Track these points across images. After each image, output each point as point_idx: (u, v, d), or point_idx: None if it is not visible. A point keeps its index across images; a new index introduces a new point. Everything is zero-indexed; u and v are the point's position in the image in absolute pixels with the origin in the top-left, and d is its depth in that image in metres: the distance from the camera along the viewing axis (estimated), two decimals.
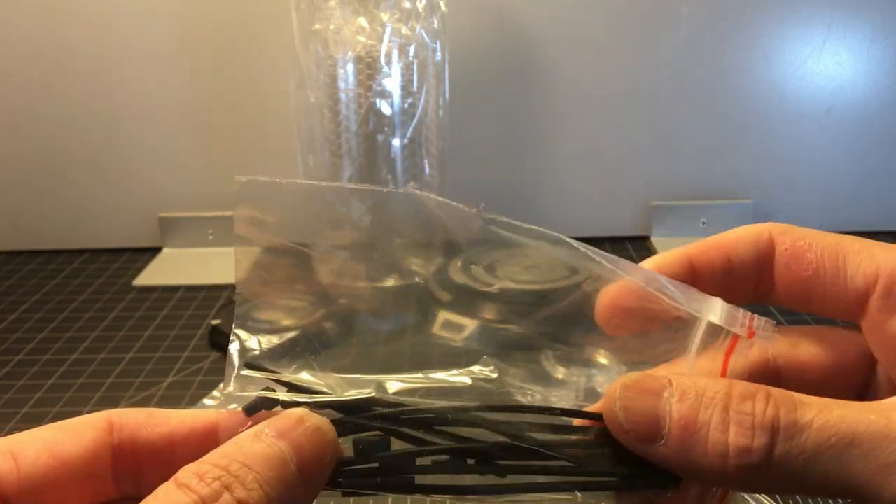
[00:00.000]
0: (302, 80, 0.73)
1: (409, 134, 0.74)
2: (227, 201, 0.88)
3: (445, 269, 0.77)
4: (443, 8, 0.72)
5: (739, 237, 0.26)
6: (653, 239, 0.86)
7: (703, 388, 0.21)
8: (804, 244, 0.25)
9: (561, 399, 0.54)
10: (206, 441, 0.23)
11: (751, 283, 0.26)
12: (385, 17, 0.69)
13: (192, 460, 0.20)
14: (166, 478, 0.20)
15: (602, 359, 0.65)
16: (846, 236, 0.25)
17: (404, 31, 0.70)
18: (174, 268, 0.84)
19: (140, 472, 0.23)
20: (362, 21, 0.69)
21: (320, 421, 0.22)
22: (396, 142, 0.74)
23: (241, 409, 0.23)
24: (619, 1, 0.81)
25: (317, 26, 0.70)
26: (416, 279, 0.24)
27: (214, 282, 0.79)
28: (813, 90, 0.84)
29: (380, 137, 0.73)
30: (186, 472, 0.20)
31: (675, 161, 0.87)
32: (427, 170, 0.76)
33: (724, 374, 0.24)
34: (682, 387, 0.21)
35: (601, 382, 0.61)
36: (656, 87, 0.84)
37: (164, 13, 0.81)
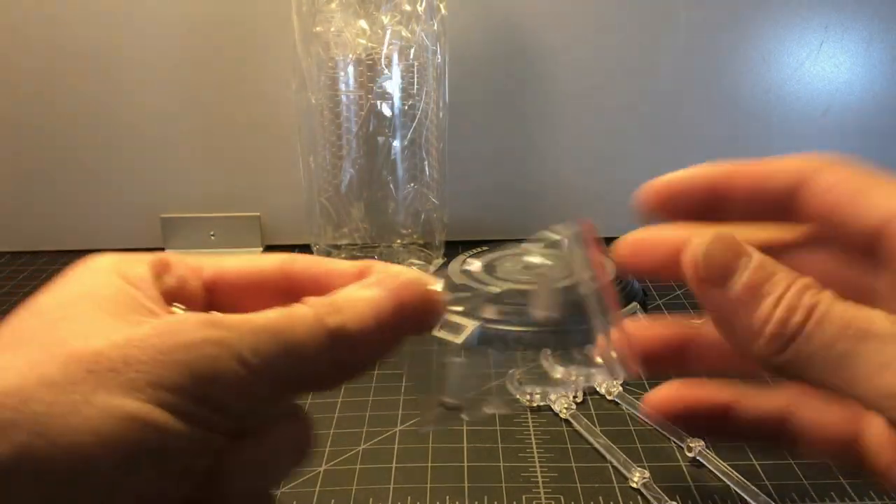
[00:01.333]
0: (303, 81, 0.73)
1: (409, 136, 0.74)
2: (228, 202, 0.88)
3: (445, 269, 0.78)
4: (443, 11, 0.72)
5: (781, 164, 0.28)
6: None
7: (776, 269, 0.24)
8: (844, 185, 0.27)
9: (560, 399, 0.55)
10: (356, 280, 0.29)
11: (781, 209, 0.27)
12: (385, 19, 0.69)
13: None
14: None
15: (601, 359, 0.65)
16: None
17: (404, 33, 0.70)
18: None
19: (306, 295, 0.27)
20: (363, 23, 0.70)
21: (415, 276, 0.27)
22: (397, 143, 0.74)
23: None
24: (619, 4, 0.81)
25: (318, 29, 0.70)
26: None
27: None
28: (810, 91, 0.84)
29: (380, 139, 0.73)
30: (311, 299, 0.26)
31: (674, 162, 0.87)
32: (427, 171, 0.76)
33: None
34: (762, 261, 0.24)
35: (600, 382, 0.62)
36: (655, 88, 0.84)
37: (165, 15, 0.81)
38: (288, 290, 0.29)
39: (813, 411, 0.28)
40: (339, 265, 0.30)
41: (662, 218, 0.28)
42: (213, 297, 0.29)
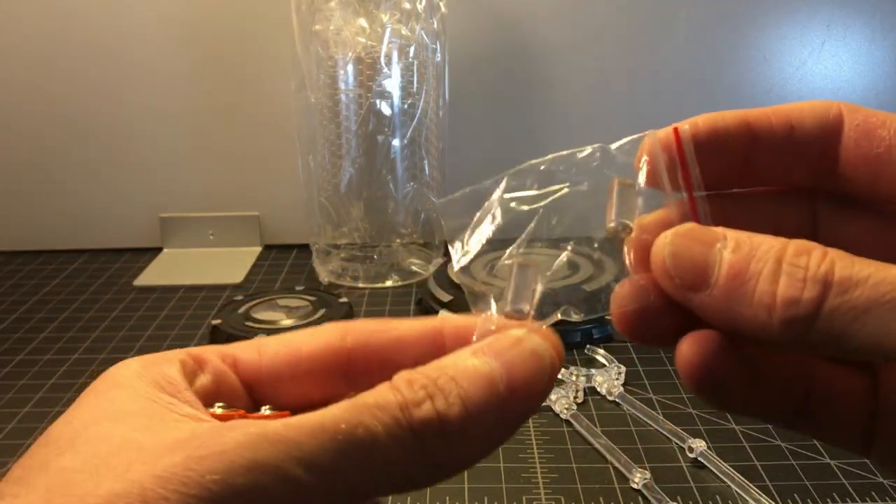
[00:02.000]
0: (302, 80, 0.73)
1: (408, 134, 0.74)
2: (227, 202, 0.88)
3: (445, 269, 0.77)
4: (442, 9, 0.72)
5: (805, 106, 0.24)
6: None
7: (758, 242, 0.20)
8: (877, 120, 0.23)
9: (561, 399, 0.55)
10: (432, 345, 0.24)
11: (813, 157, 0.24)
12: (385, 17, 0.69)
13: (419, 363, 0.21)
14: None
15: (601, 358, 0.66)
16: None
17: (404, 31, 0.70)
18: (175, 268, 0.84)
19: (372, 375, 0.23)
20: (362, 22, 0.69)
21: (538, 344, 0.22)
22: (396, 142, 0.74)
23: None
24: (619, 2, 0.81)
25: (317, 27, 0.70)
26: None
27: (215, 282, 0.79)
28: (812, 90, 0.84)
29: (380, 138, 0.73)
30: (400, 376, 0.21)
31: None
32: (427, 170, 0.76)
33: (690, 200, 0.24)
34: (737, 238, 0.21)
35: (600, 382, 0.62)
36: (656, 87, 0.84)
37: (164, 14, 0.81)
38: (347, 370, 0.25)
39: (832, 380, 0.24)
40: (408, 327, 0.25)
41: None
42: (257, 389, 0.25)
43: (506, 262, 0.24)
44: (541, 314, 0.23)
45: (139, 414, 0.20)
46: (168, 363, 0.23)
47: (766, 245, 0.20)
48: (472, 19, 0.81)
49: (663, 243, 0.21)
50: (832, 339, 0.19)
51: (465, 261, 0.25)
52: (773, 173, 0.24)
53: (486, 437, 0.21)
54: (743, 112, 0.24)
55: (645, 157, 0.24)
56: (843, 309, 0.19)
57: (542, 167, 0.26)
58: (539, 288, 0.24)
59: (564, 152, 0.25)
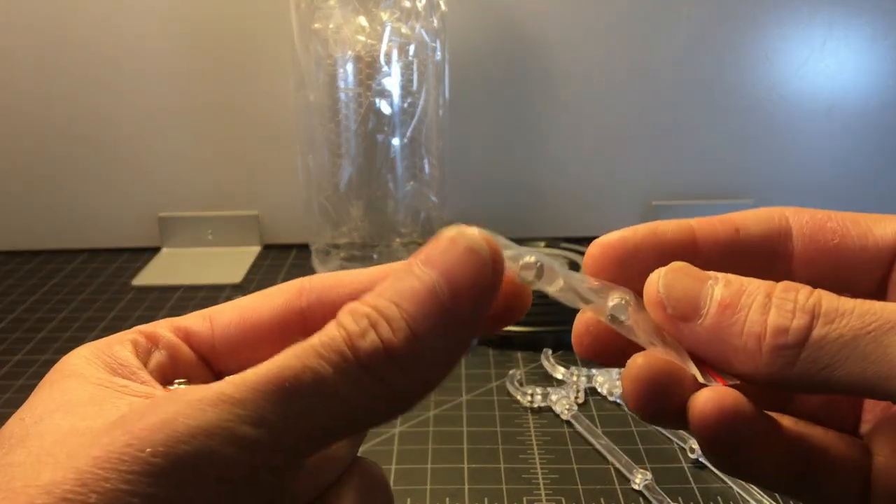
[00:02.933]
0: (301, 79, 0.72)
1: (408, 133, 0.74)
2: (226, 201, 0.88)
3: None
4: (443, 7, 0.72)
5: (749, 213, 0.25)
6: None
7: (749, 280, 0.21)
8: (823, 216, 0.25)
9: (561, 399, 0.54)
10: None
11: (761, 261, 0.25)
12: (385, 16, 0.69)
13: None
14: None
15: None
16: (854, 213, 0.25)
17: (404, 30, 0.70)
18: (173, 268, 0.84)
19: None
20: (362, 20, 0.69)
21: (472, 239, 0.20)
22: (396, 141, 0.74)
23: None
24: (620, 1, 0.81)
25: (316, 25, 0.70)
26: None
27: (214, 282, 0.79)
28: (814, 89, 0.84)
29: (379, 137, 0.73)
30: (344, 310, 0.20)
31: (676, 161, 0.87)
32: (427, 169, 0.76)
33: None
34: (728, 277, 0.22)
35: (601, 382, 0.61)
36: (657, 87, 0.84)
37: (163, 13, 0.81)
38: (304, 330, 0.23)
39: (826, 445, 0.24)
40: (364, 277, 0.24)
41: (615, 279, 0.24)
42: (212, 359, 0.24)
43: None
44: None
45: (89, 402, 0.20)
46: (119, 344, 0.22)
47: (756, 283, 0.21)
48: (472, 18, 0.81)
49: (657, 276, 0.22)
50: (818, 370, 0.20)
51: None
52: None
53: (442, 354, 0.20)
54: (686, 220, 0.25)
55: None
56: (830, 338, 0.20)
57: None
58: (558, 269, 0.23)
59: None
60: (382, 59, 0.70)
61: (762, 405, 0.22)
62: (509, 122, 0.85)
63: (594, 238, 0.25)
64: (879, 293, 0.24)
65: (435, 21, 0.71)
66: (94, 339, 0.70)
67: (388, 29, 0.69)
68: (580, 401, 0.56)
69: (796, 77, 0.83)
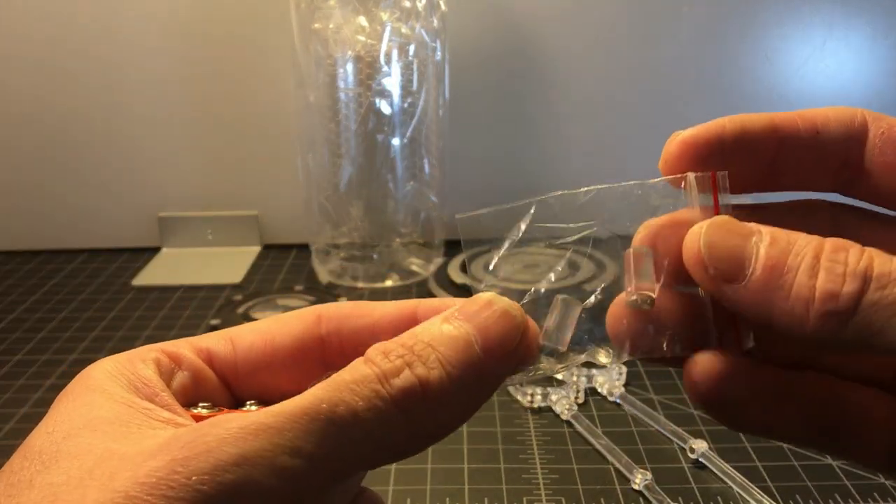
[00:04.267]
0: (301, 79, 0.72)
1: (408, 133, 0.74)
2: (226, 201, 0.88)
3: (445, 269, 0.77)
4: (443, 7, 0.72)
5: (829, 112, 0.24)
6: None
7: (795, 237, 0.20)
8: None
9: (561, 400, 0.54)
10: (408, 328, 0.23)
11: (837, 163, 0.24)
12: (385, 16, 0.69)
13: None
14: None
15: (602, 358, 0.65)
16: None
17: (404, 30, 0.70)
18: (173, 268, 0.84)
19: (347, 360, 0.23)
20: (362, 20, 0.69)
21: (509, 304, 0.22)
22: (396, 141, 0.73)
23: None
24: (620, 1, 0.81)
25: (316, 25, 0.70)
26: None
27: (213, 282, 0.79)
28: (814, 90, 0.84)
29: (379, 137, 0.73)
30: (375, 349, 0.21)
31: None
32: (427, 169, 0.76)
33: (716, 207, 0.23)
34: (773, 233, 0.21)
35: (601, 382, 0.61)
36: (657, 86, 0.84)
37: (163, 13, 0.81)
38: (322, 357, 0.25)
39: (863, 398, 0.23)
40: (382, 311, 0.25)
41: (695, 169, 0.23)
42: (234, 382, 0.25)
43: (549, 293, 0.23)
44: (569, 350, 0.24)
45: (115, 421, 0.20)
46: (143, 362, 0.22)
47: (803, 240, 0.20)
48: (472, 17, 0.81)
49: (698, 233, 0.21)
50: (868, 336, 0.19)
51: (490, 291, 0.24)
52: (797, 178, 0.24)
53: (467, 400, 0.21)
54: (769, 115, 0.24)
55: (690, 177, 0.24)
56: (882, 303, 0.19)
57: (572, 198, 0.25)
58: (574, 326, 0.23)
59: (602, 186, 0.25)
60: (382, 59, 0.70)
61: (779, 360, 0.22)
62: (509, 122, 0.85)
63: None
64: None
65: (435, 21, 0.71)
66: (94, 339, 0.69)
67: (388, 29, 0.69)
68: (580, 401, 0.56)
69: (796, 77, 0.83)
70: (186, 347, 0.24)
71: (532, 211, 0.25)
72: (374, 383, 0.20)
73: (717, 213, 0.23)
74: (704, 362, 0.22)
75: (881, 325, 0.19)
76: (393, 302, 0.25)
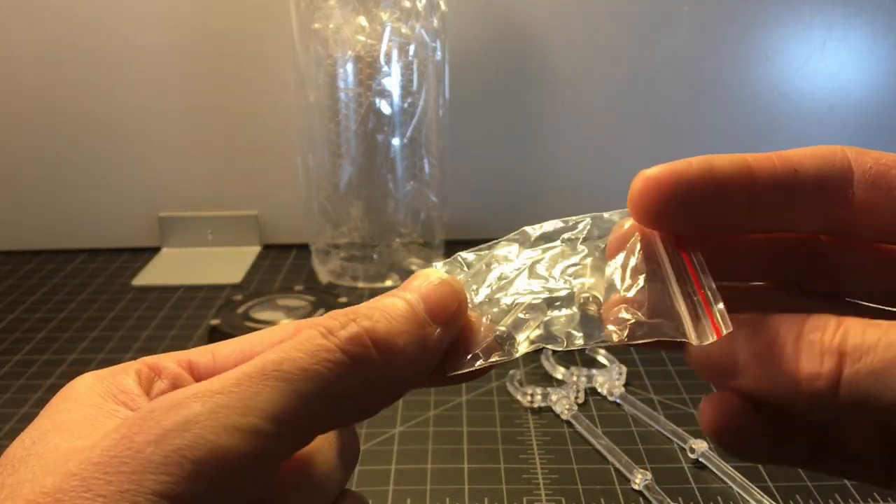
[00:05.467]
0: (301, 79, 0.72)
1: (408, 133, 0.74)
2: (226, 201, 0.88)
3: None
4: (443, 7, 0.72)
5: (807, 151, 0.24)
6: None
7: (778, 324, 0.21)
8: (888, 161, 0.23)
9: (561, 400, 0.54)
10: None
11: (822, 204, 0.23)
12: (385, 16, 0.69)
13: None
14: None
15: (602, 358, 0.65)
16: None
17: (404, 30, 0.70)
18: (173, 267, 0.84)
19: None
20: (362, 20, 0.69)
21: (446, 275, 0.24)
22: (396, 141, 0.73)
23: None
24: (620, 1, 0.81)
25: (316, 25, 0.70)
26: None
27: (213, 282, 0.79)
28: (814, 89, 0.84)
29: (379, 137, 0.73)
30: (318, 317, 0.22)
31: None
32: (427, 169, 0.76)
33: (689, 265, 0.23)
34: (756, 324, 0.21)
35: (601, 382, 0.61)
36: (657, 86, 0.84)
37: (163, 13, 0.81)
38: None
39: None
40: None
41: (662, 218, 0.23)
42: None
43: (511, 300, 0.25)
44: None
45: (82, 423, 0.21)
46: (123, 374, 0.23)
47: (785, 325, 0.21)
48: (472, 17, 0.81)
49: (696, 346, 0.22)
50: (859, 403, 0.20)
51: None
52: (779, 219, 0.24)
53: (415, 358, 0.22)
54: (743, 155, 0.23)
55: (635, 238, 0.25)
56: (861, 373, 0.20)
57: (539, 231, 0.27)
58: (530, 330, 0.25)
59: (559, 222, 0.27)
60: (382, 59, 0.70)
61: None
62: (509, 121, 0.85)
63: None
64: None
65: (435, 21, 0.71)
66: (94, 339, 0.70)
67: (388, 29, 0.69)
68: (580, 401, 0.56)
69: (797, 77, 0.83)
70: (168, 359, 0.25)
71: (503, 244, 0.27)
72: (318, 339, 0.20)
73: (691, 268, 0.23)
74: (711, 405, 0.22)
75: (866, 393, 0.20)
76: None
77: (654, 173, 0.23)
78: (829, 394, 0.20)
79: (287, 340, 0.21)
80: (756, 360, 0.21)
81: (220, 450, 0.18)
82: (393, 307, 0.22)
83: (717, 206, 0.23)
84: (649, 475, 0.46)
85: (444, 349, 0.23)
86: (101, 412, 0.21)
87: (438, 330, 0.23)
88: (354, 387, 0.21)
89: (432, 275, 0.24)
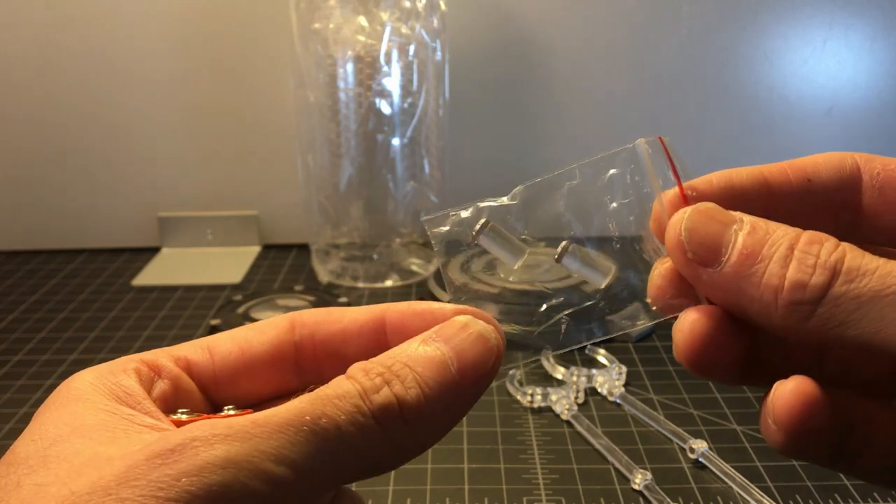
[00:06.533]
0: (301, 79, 0.72)
1: (408, 133, 0.74)
2: (226, 201, 0.88)
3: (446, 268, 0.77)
4: (443, 7, 0.72)
5: (820, 159, 0.24)
6: None
7: (773, 227, 0.21)
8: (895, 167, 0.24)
9: (561, 400, 0.54)
10: (374, 333, 0.25)
11: (832, 209, 0.24)
12: (385, 16, 0.69)
13: (363, 352, 0.24)
14: (343, 369, 0.22)
15: (602, 359, 0.65)
16: None
17: (404, 30, 0.70)
18: (173, 267, 0.84)
19: (320, 365, 0.25)
20: (362, 20, 0.69)
21: (484, 328, 0.23)
22: (396, 141, 0.73)
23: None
24: (620, 1, 0.81)
25: (316, 25, 0.70)
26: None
27: (213, 282, 0.79)
28: (814, 90, 0.84)
29: (379, 137, 0.73)
30: (356, 367, 0.22)
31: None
32: (427, 169, 0.76)
33: (674, 173, 0.24)
34: (753, 222, 0.21)
35: (601, 382, 0.61)
36: (656, 86, 0.84)
37: (162, 13, 0.81)
38: (296, 362, 0.26)
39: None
40: (352, 317, 0.26)
41: None
42: (211, 389, 0.25)
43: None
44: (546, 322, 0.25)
45: (100, 428, 0.20)
46: (124, 373, 0.23)
47: (781, 231, 0.21)
48: (472, 17, 0.81)
49: (681, 218, 0.22)
50: (830, 328, 0.20)
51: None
52: (794, 226, 0.24)
53: (443, 418, 0.22)
54: (758, 167, 0.24)
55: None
56: (847, 297, 0.19)
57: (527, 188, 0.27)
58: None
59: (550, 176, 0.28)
60: (382, 59, 0.70)
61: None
62: (509, 122, 0.85)
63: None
64: None
65: (435, 21, 0.71)
66: (94, 339, 0.70)
67: (388, 29, 0.69)
68: (580, 401, 0.56)
69: (797, 77, 0.83)
70: (165, 357, 0.25)
71: (486, 216, 0.27)
72: (356, 398, 0.21)
73: (676, 176, 0.24)
74: (796, 387, 0.21)
75: (843, 318, 0.19)
76: (363, 307, 0.26)
77: (675, 195, 0.24)
78: (807, 308, 0.20)
79: (325, 390, 0.21)
80: (744, 254, 0.21)
81: (251, 494, 0.18)
82: (427, 362, 0.22)
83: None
84: (649, 475, 0.46)
85: (470, 407, 0.23)
86: (116, 418, 0.21)
87: (469, 387, 0.22)
88: (381, 450, 0.21)
89: (471, 326, 0.23)
